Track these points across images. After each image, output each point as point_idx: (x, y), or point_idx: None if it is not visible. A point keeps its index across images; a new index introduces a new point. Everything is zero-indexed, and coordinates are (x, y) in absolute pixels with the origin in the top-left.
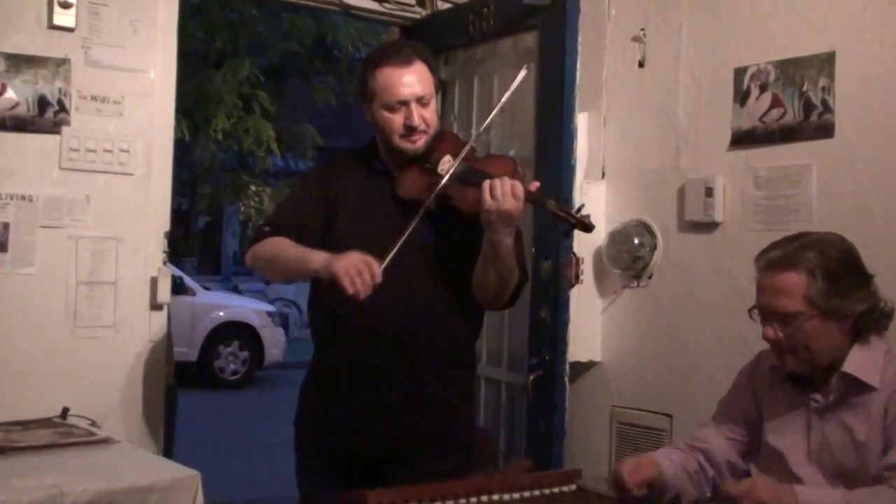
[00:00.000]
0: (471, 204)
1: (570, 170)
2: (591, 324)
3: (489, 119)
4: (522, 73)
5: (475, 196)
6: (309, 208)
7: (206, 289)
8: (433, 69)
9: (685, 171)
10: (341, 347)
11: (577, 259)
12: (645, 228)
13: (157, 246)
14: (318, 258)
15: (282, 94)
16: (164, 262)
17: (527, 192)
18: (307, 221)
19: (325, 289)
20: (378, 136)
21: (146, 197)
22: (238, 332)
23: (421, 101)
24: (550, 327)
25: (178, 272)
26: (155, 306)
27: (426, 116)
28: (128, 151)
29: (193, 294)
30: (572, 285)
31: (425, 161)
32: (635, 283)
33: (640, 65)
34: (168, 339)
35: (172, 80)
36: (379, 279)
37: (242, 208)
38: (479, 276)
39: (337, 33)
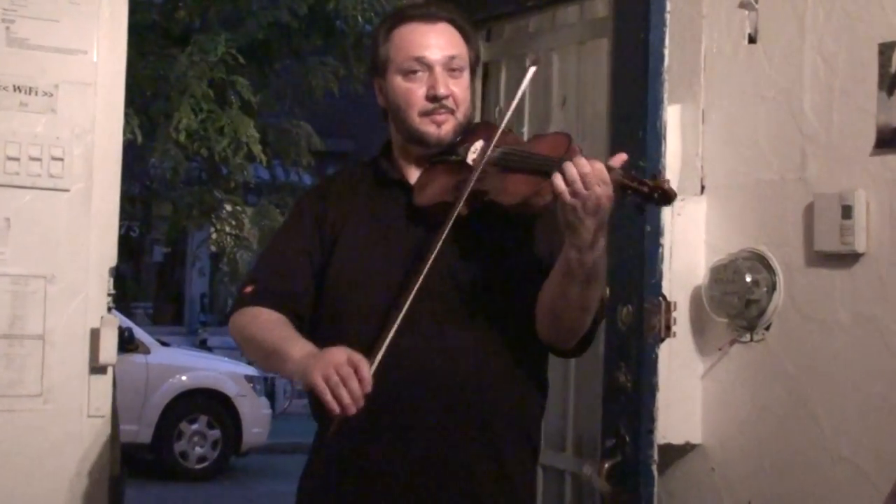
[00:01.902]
0: (516, 194)
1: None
2: (688, 392)
3: (499, 131)
4: (531, 72)
5: (523, 183)
6: (295, 266)
7: (164, 344)
8: (469, 39)
9: (814, 184)
10: (358, 430)
11: (668, 303)
12: (760, 262)
13: (99, 287)
14: (295, 356)
15: (268, 81)
16: (109, 309)
17: (608, 167)
18: (294, 287)
19: (328, 338)
20: (393, 125)
21: (86, 220)
22: (207, 403)
23: (449, 68)
24: (632, 397)
25: (127, 322)
26: (96, 369)
27: (455, 91)
28: (62, 159)
29: (147, 352)
30: (662, 339)
31: (449, 154)
32: (747, 337)
33: (751, 40)
34: (113, 413)
35: (122, 63)
36: (368, 385)
37: (214, 235)
38: (551, 300)
39: None
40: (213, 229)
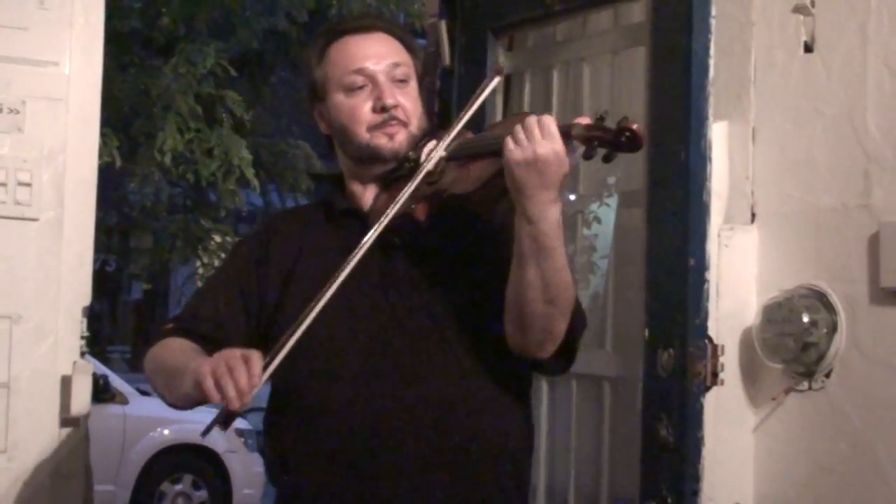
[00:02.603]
0: (474, 179)
1: (700, 209)
2: (738, 447)
3: (455, 128)
4: (494, 83)
5: (480, 168)
6: (224, 302)
7: (144, 393)
8: (411, 48)
9: (879, 211)
10: (330, 464)
11: (715, 346)
12: (819, 299)
13: (71, 329)
14: (193, 366)
15: (262, 96)
16: (83, 354)
17: (561, 125)
18: (222, 319)
19: (282, 375)
20: (341, 150)
21: (56, 253)
22: (192, 460)
23: (394, 77)
24: (674, 453)
25: (103, 369)
26: (67, 421)
27: (404, 102)
28: (29, 185)
29: (125, 402)
30: (707, 387)
31: (402, 164)
32: (805, 384)
33: (808, 48)
34: (86, 472)
35: (97, 76)
36: (258, 380)
37: (201, 270)
38: (512, 291)
39: (345, 2)
40: (199, 263)
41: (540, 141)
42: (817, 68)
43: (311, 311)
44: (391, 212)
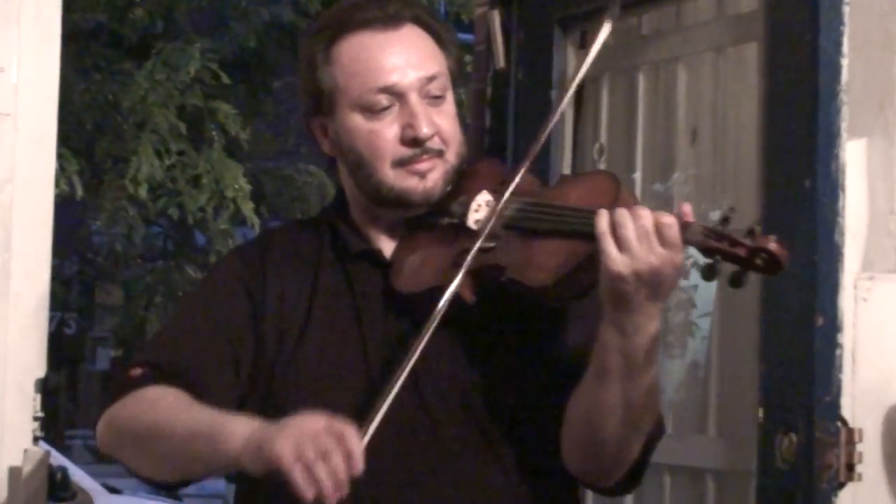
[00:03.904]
0: (548, 269)
1: (831, 253)
2: None
3: (549, 127)
4: (606, 29)
5: (557, 253)
6: (210, 347)
7: (113, 490)
8: (445, 42)
9: None
10: None
11: (851, 431)
12: None
13: (20, 408)
14: (238, 430)
15: (262, 109)
16: (36, 440)
17: (683, 224)
18: (208, 370)
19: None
20: (351, 179)
21: (3, 311)
22: None
23: (427, 93)
24: None
25: (62, 459)
26: None
27: (441, 125)
28: None
29: (89, 502)
30: (842, 483)
31: (441, 214)
32: None
33: None
34: None
35: (53, 84)
36: (360, 465)
37: None
38: (584, 410)
39: None
40: None
41: (657, 250)
42: None
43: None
44: (441, 310)
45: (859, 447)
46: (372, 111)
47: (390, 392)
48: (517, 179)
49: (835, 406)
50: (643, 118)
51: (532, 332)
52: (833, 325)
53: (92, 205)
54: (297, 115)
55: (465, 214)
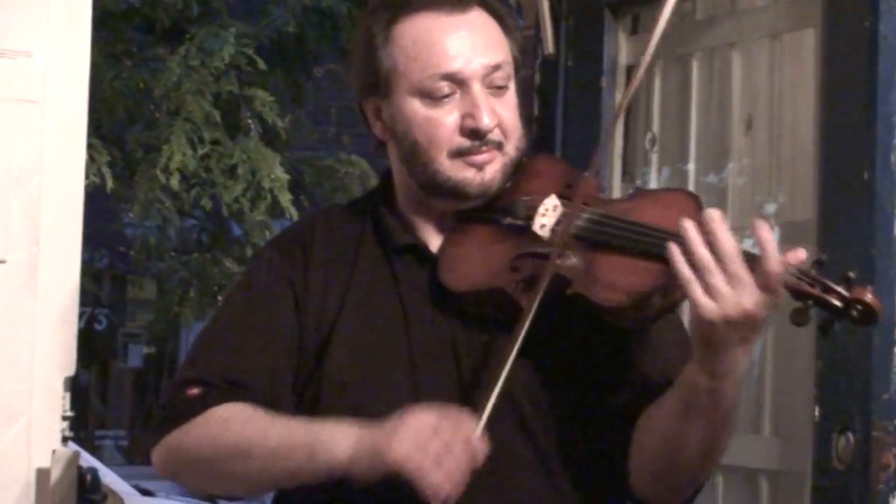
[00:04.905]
0: (619, 289)
1: (890, 245)
2: None
3: (621, 114)
4: (669, 6)
5: (630, 273)
6: (275, 349)
7: (146, 493)
8: (510, 29)
9: None
10: None
11: None
12: None
13: (49, 406)
14: (340, 438)
15: (302, 97)
16: (65, 440)
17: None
18: (277, 374)
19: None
20: (404, 167)
21: (30, 306)
22: None
23: (491, 82)
24: None
25: (91, 460)
26: None
27: (503, 116)
28: None
29: None
30: None
31: (501, 212)
32: None
33: None
34: None
35: (83, 71)
36: (482, 451)
37: None
38: (662, 443)
39: None
40: None
41: (751, 290)
42: None
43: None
44: (519, 337)
45: None
46: (432, 97)
47: (497, 381)
48: (581, 186)
49: (892, 404)
50: (697, 107)
51: (589, 348)
52: (891, 322)
53: (124, 196)
54: (339, 104)
55: (531, 218)
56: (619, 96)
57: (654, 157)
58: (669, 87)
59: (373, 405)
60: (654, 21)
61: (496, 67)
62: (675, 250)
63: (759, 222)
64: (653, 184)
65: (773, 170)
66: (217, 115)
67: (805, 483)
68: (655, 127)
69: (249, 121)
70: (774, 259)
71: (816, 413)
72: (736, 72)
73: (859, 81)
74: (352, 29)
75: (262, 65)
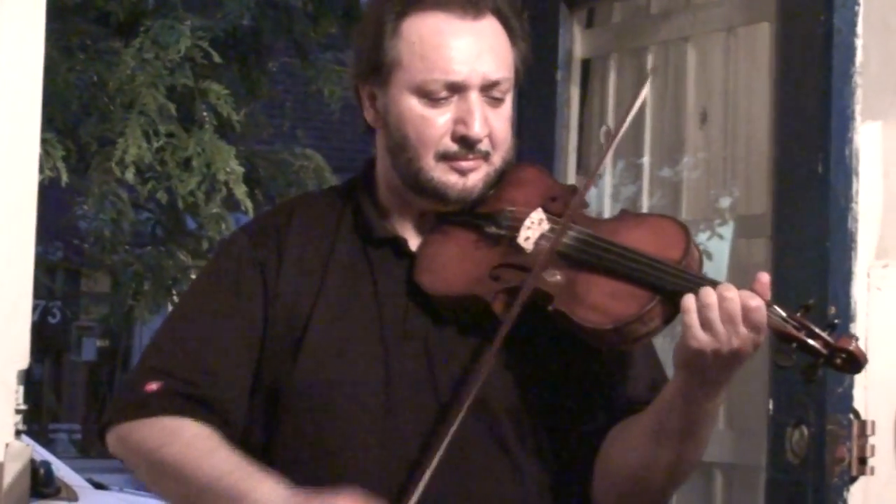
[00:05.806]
0: (604, 313)
1: (843, 240)
2: None
3: (608, 154)
4: (644, 92)
5: (616, 297)
6: (228, 355)
7: (99, 486)
8: (517, 40)
9: None
10: None
11: (863, 423)
12: None
13: (2, 401)
14: (265, 496)
15: (257, 90)
16: (18, 434)
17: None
18: (226, 388)
19: (305, 473)
20: (388, 158)
21: None
22: None
23: (490, 93)
24: None
25: (45, 454)
26: None
27: (495, 127)
28: None
29: (73, 498)
30: (853, 478)
31: (484, 219)
32: None
33: None
34: None
35: (37, 63)
36: None
37: None
38: (636, 463)
39: None
40: None
41: (741, 333)
42: None
43: (441, 444)
44: (495, 348)
45: (871, 440)
46: (429, 98)
47: (430, 463)
48: (576, 201)
49: (847, 398)
50: (651, 100)
51: (564, 362)
52: (846, 315)
53: (77, 189)
54: (293, 98)
55: (516, 229)
56: (573, 90)
57: (609, 150)
58: (624, 80)
59: (343, 403)
60: (609, 16)
61: (496, 83)
62: (689, 296)
63: (760, 273)
64: (607, 177)
65: (728, 163)
66: (172, 108)
67: (759, 476)
68: (610, 119)
69: (204, 114)
70: (762, 301)
71: (771, 406)
72: (690, 65)
73: (814, 75)
74: (306, 24)
75: (217, 58)
